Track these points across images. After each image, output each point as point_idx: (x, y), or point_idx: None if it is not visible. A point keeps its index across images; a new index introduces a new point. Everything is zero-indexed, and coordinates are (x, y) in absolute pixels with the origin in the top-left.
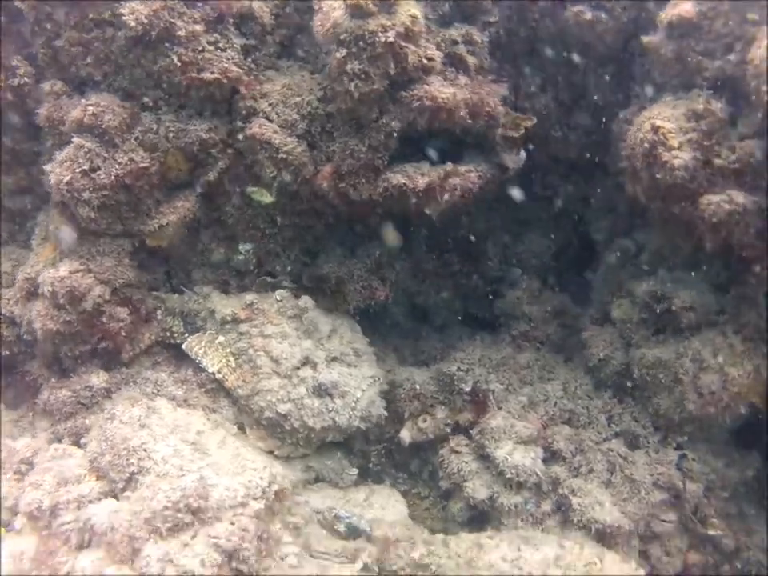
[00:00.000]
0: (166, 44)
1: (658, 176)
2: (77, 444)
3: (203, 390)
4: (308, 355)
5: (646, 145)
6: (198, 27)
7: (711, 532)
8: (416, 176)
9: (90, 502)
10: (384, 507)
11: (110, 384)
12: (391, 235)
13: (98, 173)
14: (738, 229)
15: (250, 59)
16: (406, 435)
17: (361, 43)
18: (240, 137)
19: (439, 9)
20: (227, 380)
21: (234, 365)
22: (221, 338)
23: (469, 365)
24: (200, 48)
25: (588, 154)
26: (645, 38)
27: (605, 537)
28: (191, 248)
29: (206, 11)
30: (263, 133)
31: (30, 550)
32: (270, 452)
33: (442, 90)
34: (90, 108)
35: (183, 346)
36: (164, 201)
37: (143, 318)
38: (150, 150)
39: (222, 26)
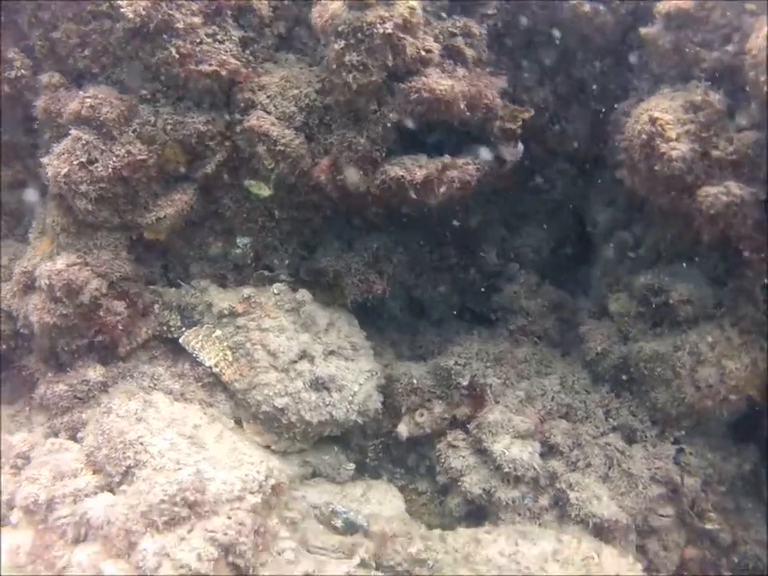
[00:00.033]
0: (164, 36)
1: (655, 168)
2: (73, 438)
3: (200, 384)
4: (305, 349)
5: (644, 136)
6: (197, 19)
7: (709, 526)
8: (414, 168)
9: (87, 495)
10: (381, 502)
11: (106, 378)
12: None
13: (95, 165)
14: (735, 220)
15: (248, 51)
16: (403, 430)
17: (359, 35)
18: (238, 129)
19: (437, 1)
20: (224, 374)
21: (231, 359)
22: (218, 332)
23: (466, 359)
24: (198, 40)
25: (586, 147)
26: (643, 30)
27: (602, 531)
28: (188, 242)
29: (204, 3)
30: (261, 125)
31: (26, 544)
32: (267, 447)
33: (440, 81)
34: (88, 100)
35: (180, 340)
36: (162, 194)
37: (140, 311)
38: (148, 142)
39: (221, 18)
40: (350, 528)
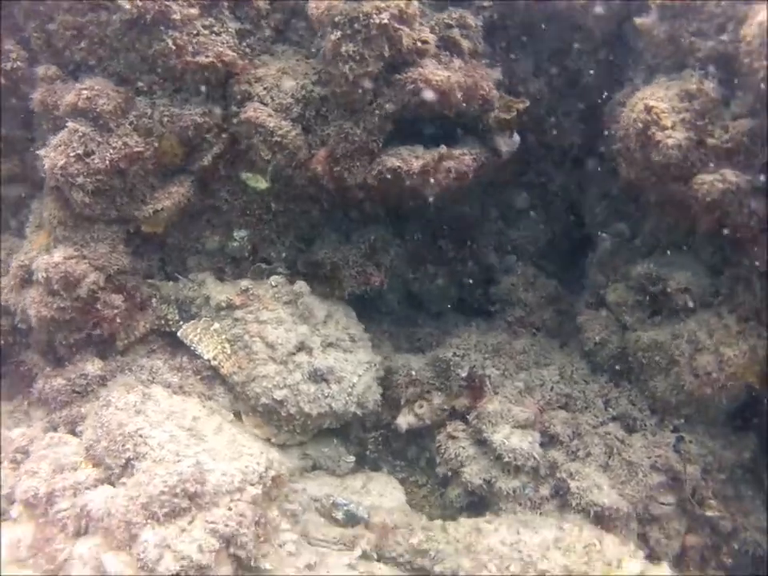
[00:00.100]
0: (161, 27)
1: (651, 156)
2: (73, 432)
3: (199, 377)
4: (303, 340)
5: (640, 125)
6: (193, 11)
7: (709, 513)
8: (410, 159)
9: (87, 488)
10: (382, 494)
11: (105, 372)
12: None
13: (92, 157)
14: (731, 208)
15: (244, 43)
16: (402, 422)
17: (356, 25)
18: (235, 121)
19: None
20: (223, 367)
21: (229, 351)
22: (216, 325)
23: (465, 350)
24: (195, 32)
25: (582, 139)
26: (638, 20)
27: (603, 520)
28: (186, 235)
29: None
30: (258, 116)
31: (27, 538)
32: (267, 439)
33: (436, 72)
34: (85, 92)
35: (178, 334)
36: (159, 186)
37: (138, 305)
38: (145, 134)
39: (217, 9)
40: (351, 520)
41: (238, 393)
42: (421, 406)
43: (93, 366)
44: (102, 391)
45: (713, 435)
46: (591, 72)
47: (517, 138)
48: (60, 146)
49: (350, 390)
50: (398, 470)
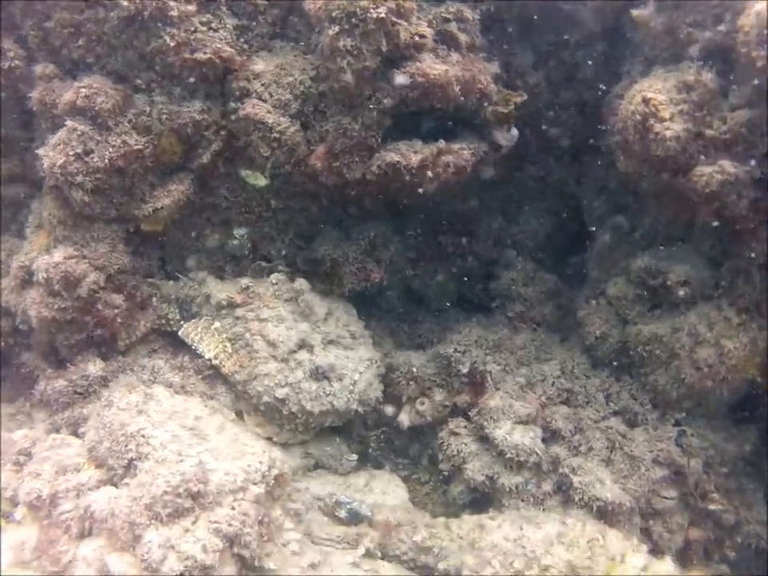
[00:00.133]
0: (159, 24)
1: (650, 148)
2: (75, 434)
3: (200, 376)
4: (304, 338)
5: (638, 117)
6: (191, 7)
7: (712, 507)
8: (409, 153)
9: (90, 489)
10: (385, 492)
11: (106, 372)
12: None
13: (91, 156)
14: (730, 199)
15: (242, 40)
16: (404, 419)
17: (353, 20)
18: (233, 118)
19: None
20: (224, 365)
21: (230, 350)
22: (217, 324)
23: (465, 346)
24: (193, 28)
25: (580, 133)
26: (635, 12)
27: (606, 514)
28: (185, 233)
29: None
30: (257, 113)
31: (31, 540)
32: (269, 438)
33: (434, 66)
34: (83, 90)
35: (179, 333)
36: (158, 184)
37: (138, 305)
38: (144, 132)
39: (215, 6)
40: (354, 518)
41: (240, 392)
42: (422, 403)
43: (94, 367)
44: (104, 392)
45: (714, 428)
46: (590, 63)
47: (515, 131)
48: (59, 144)
49: (351, 387)
50: (401, 467)
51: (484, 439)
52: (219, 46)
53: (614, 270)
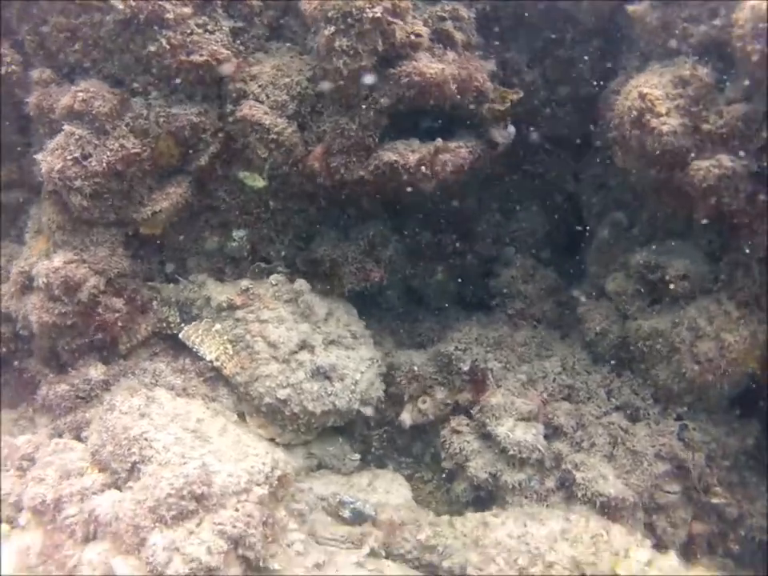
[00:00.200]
0: (155, 27)
1: (647, 143)
2: (78, 438)
3: (202, 378)
4: (305, 339)
5: (634, 112)
6: (187, 10)
7: (715, 501)
8: (407, 153)
9: (94, 493)
10: (388, 491)
11: (108, 376)
12: None
13: (89, 160)
14: (728, 193)
15: (238, 41)
16: (406, 418)
17: (349, 20)
18: (231, 120)
19: None
20: (225, 367)
21: (231, 352)
22: (217, 326)
23: (466, 344)
24: (189, 31)
25: (577, 129)
26: (630, 7)
27: (610, 510)
28: (185, 236)
29: None
30: (254, 114)
31: (36, 545)
32: (272, 439)
33: (430, 65)
34: (80, 94)
35: (180, 335)
36: (156, 187)
37: (139, 308)
38: (141, 135)
39: (210, 8)
40: (358, 518)
41: (242, 393)
42: (424, 402)
43: (96, 371)
44: (106, 396)
45: (716, 422)
46: (586, 59)
47: (512, 129)
48: (57, 149)
49: (353, 387)
50: (404, 466)
51: (486, 437)
52: (215, 48)
53: (613, 265)
